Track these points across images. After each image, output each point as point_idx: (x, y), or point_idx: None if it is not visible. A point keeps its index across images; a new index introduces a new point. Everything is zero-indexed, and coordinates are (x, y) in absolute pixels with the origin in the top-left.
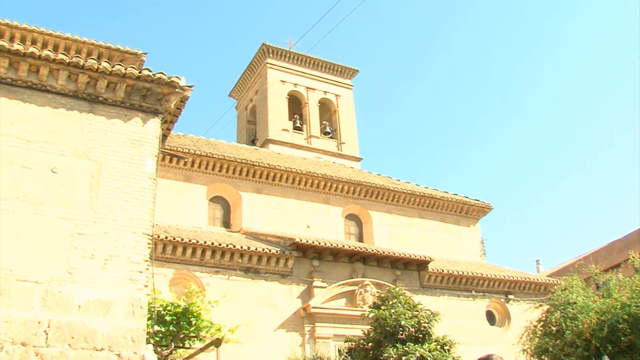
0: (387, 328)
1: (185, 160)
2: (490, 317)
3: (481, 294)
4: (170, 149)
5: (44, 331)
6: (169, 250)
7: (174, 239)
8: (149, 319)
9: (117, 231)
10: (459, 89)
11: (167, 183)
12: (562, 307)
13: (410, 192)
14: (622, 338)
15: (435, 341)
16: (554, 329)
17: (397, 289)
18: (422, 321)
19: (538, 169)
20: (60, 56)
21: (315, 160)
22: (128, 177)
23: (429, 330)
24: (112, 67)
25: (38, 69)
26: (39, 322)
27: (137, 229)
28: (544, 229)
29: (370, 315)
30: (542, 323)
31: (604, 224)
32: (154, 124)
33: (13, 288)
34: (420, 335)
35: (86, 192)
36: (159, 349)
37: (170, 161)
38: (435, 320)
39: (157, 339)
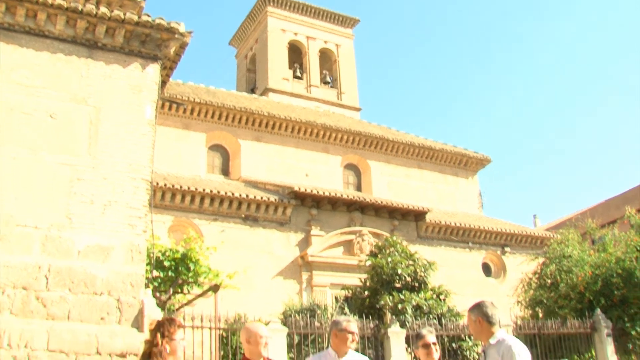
0: (384, 276)
1: (185, 106)
2: (486, 269)
3: (478, 245)
4: (169, 97)
5: (44, 276)
6: (167, 197)
7: (173, 186)
8: (147, 264)
9: (116, 177)
10: (461, 40)
11: (166, 131)
12: (558, 260)
13: (409, 142)
14: (615, 292)
15: (431, 290)
16: (549, 281)
17: (395, 238)
18: (418, 270)
19: (539, 123)
20: (58, 1)
21: (314, 110)
22: (127, 123)
23: (425, 279)
24: (111, 12)
25: (35, 13)
26: (39, 267)
27: (136, 175)
28: (542, 184)
29: (368, 264)
30: (537, 275)
31: (602, 180)
32: (153, 70)
33: (13, 233)
34: (417, 284)
35: (85, 138)
36: (158, 294)
37: (170, 109)
38: (432, 269)
39: (156, 284)
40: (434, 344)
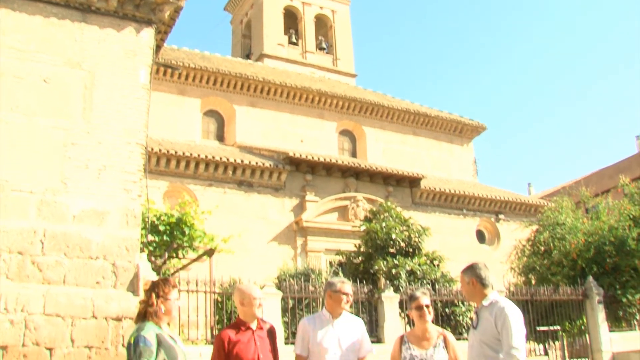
0: (378, 241)
1: (179, 71)
2: (480, 236)
3: (472, 212)
4: (164, 62)
5: (40, 240)
6: (162, 163)
7: (168, 151)
8: (142, 228)
9: (111, 141)
10: (457, 7)
11: (160, 96)
12: (551, 227)
13: (404, 109)
14: (608, 260)
15: (425, 255)
16: (542, 248)
17: (389, 204)
18: (412, 236)
19: (535, 91)
20: None
21: (310, 76)
22: (122, 88)
23: (419, 245)
24: None
25: None
26: (34, 232)
27: (131, 139)
28: (537, 152)
29: (362, 228)
30: (530, 242)
31: (597, 150)
32: (148, 34)
33: (9, 198)
34: (411, 250)
35: (79, 103)
36: (153, 259)
37: (164, 74)
38: (426, 235)
39: (151, 248)
40: (427, 306)
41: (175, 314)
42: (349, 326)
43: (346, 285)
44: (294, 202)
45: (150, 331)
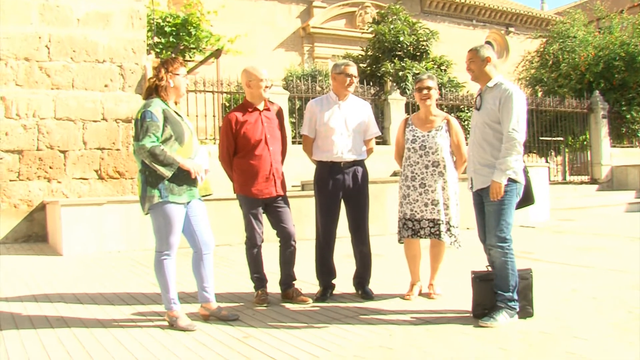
0: (386, 44)
1: None
2: None
3: (482, 24)
4: None
5: (45, 46)
6: None
7: None
8: (148, 30)
9: None
10: None
11: None
12: (561, 39)
13: None
14: (616, 75)
15: (433, 60)
16: (551, 60)
17: (398, 6)
18: (420, 39)
19: None
20: None
21: None
22: None
23: (427, 49)
24: None
25: None
26: (39, 37)
27: None
28: None
29: (369, 30)
30: (539, 54)
31: None
32: None
33: (7, 3)
34: (418, 53)
35: None
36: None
37: None
38: (434, 39)
39: (158, 50)
40: (428, 88)
41: (183, 91)
42: (356, 108)
43: (350, 67)
44: (301, 8)
45: (157, 107)
